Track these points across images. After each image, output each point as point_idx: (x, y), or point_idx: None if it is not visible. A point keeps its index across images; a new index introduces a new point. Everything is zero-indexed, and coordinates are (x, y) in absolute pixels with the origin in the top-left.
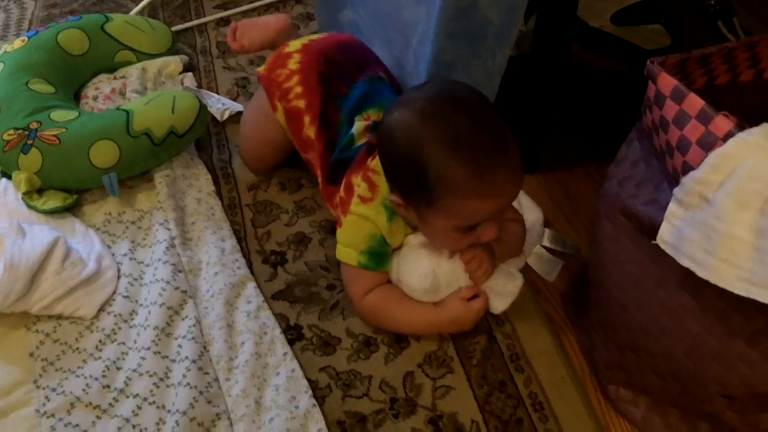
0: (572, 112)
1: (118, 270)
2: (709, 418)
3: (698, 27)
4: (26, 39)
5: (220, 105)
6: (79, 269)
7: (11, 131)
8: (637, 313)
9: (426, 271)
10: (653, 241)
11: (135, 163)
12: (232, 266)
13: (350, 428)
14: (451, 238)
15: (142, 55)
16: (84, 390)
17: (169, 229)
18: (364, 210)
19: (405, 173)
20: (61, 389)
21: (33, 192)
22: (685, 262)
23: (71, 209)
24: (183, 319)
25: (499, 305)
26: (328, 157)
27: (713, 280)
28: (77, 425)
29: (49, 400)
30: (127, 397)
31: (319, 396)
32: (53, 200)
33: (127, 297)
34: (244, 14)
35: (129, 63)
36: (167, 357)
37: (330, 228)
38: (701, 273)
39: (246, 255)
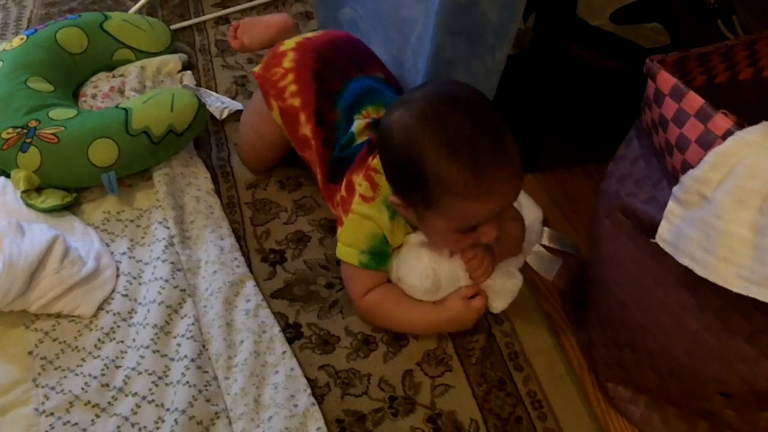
0: (571, 111)
1: (117, 268)
2: (707, 416)
3: (697, 25)
4: (25, 37)
5: (219, 103)
6: (77, 268)
7: (10, 130)
8: (636, 312)
9: (426, 271)
10: (652, 240)
11: (134, 161)
12: (231, 265)
13: (349, 427)
14: (450, 238)
15: (141, 54)
16: (83, 388)
17: (168, 228)
18: (365, 209)
19: (404, 174)
20: (60, 388)
21: (32, 190)
22: (684, 261)
23: (70, 208)
24: (182, 318)
25: (498, 304)
26: (327, 155)
27: (712, 278)
28: (76, 424)
29: (48, 399)
30: (126, 395)
31: (318, 394)
32: (52, 199)
33: (126, 295)
34: (243, 12)
35: (128, 61)
36: (166, 355)
37: (329, 227)
38: (700, 271)
39: (245, 253)
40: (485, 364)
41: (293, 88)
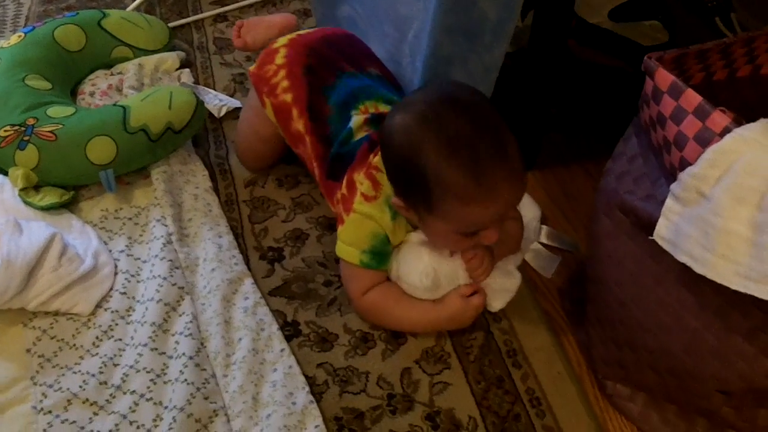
0: (570, 108)
1: (115, 266)
2: (706, 414)
3: (696, 23)
4: (23, 35)
5: (217, 101)
6: (76, 265)
7: (8, 127)
8: (635, 310)
9: (426, 269)
10: (650, 237)
11: (132, 159)
12: (229, 262)
13: (347, 424)
14: (452, 240)
15: (139, 51)
16: (81, 386)
17: (166, 226)
18: (367, 209)
19: (405, 176)
20: (58, 386)
21: (30, 188)
22: (682, 258)
23: (68, 205)
24: (180, 316)
25: (496, 303)
26: (323, 150)
27: (710, 275)
28: (74, 422)
29: (46, 397)
30: (124, 393)
31: (317, 392)
32: (50, 196)
33: (124, 293)
34: (241, 10)
35: (126, 59)
36: (164, 353)
37: (327, 224)
38: (698, 269)
39: (243, 251)
40: (484, 361)
41: (285, 83)
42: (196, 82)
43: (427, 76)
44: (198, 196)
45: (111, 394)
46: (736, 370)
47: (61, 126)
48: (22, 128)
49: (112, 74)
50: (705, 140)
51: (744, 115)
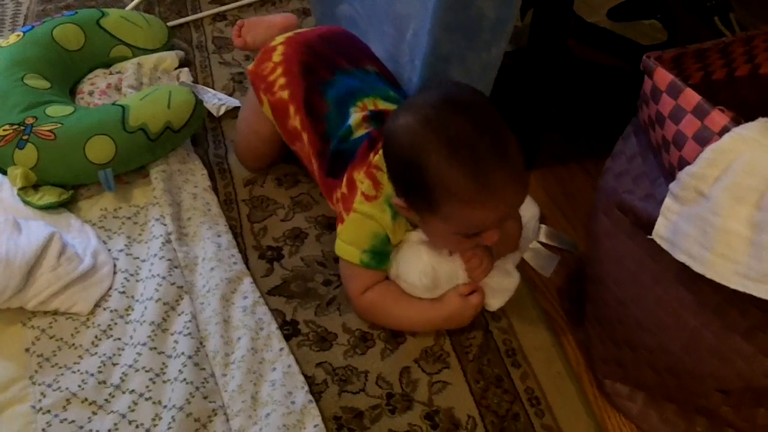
0: (569, 108)
1: (114, 266)
2: (705, 412)
3: (694, 22)
4: (21, 34)
5: (216, 100)
6: (74, 265)
7: (6, 126)
8: (634, 309)
9: (426, 269)
10: (649, 236)
11: (131, 158)
12: (228, 262)
13: (347, 423)
14: (452, 241)
15: (138, 51)
16: (80, 386)
17: (165, 225)
18: (368, 208)
19: (407, 177)
20: (57, 385)
21: (28, 187)
22: (680, 257)
23: (67, 205)
24: (179, 315)
25: (495, 302)
26: (322, 147)
27: (709, 274)
28: (73, 421)
29: (45, 396)
30: (123, 392)
31: (316, 391)
32: (49, 196)
33: (123, 293)
34: (240, 9)
35: (125, 58)
36: (163, 353)
37: (326, 223)
38: (697, 268)
39: (242, 250)
40: (482, 361)
41: (282, 81)
42: (195, 82)
43: (425, 74)
44: (197, 195)
45: (110, 394)
46: (734, 369)
47: (60, 125)
48: (21, 127)
49: (111, 73)
50: (704, 139)
51: (743, 115)
